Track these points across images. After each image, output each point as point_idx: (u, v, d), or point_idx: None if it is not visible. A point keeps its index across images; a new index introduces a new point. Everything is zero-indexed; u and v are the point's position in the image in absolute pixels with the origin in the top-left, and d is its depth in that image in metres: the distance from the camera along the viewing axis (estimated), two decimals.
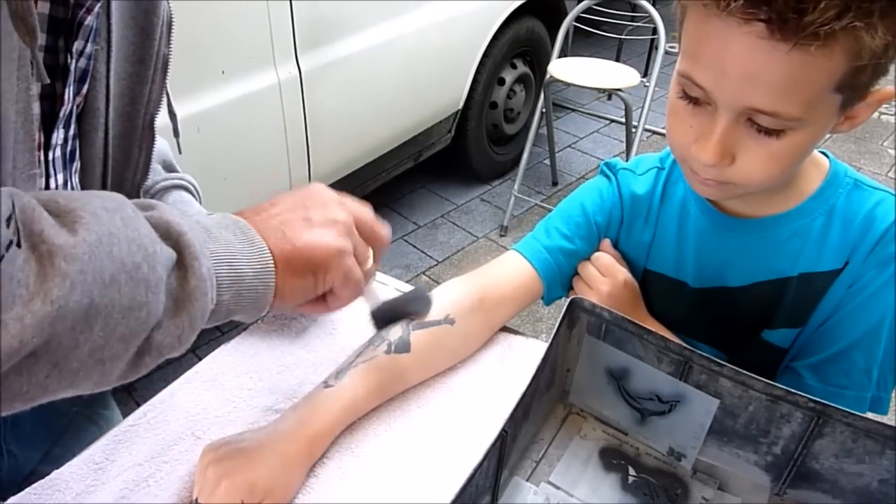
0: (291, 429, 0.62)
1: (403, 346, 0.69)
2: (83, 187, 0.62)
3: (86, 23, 0.52)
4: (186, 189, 0.75)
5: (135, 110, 0.63)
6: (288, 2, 1.76)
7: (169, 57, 0.64)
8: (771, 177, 0.59)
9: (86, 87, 0.56)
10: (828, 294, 0.69)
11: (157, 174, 0.74)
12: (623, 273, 0.78)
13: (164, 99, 0.66)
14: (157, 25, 0.61)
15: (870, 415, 0.59)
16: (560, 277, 0.80)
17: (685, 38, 0.58)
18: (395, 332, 0.70)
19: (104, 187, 0.64)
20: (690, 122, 0.60)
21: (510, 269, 0.78)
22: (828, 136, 0.63)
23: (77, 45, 0.52)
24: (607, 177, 0.81)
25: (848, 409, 0.53)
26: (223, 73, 1.66)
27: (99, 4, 0.52)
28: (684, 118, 0.61)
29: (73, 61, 0.52)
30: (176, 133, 0.71)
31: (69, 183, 0.58)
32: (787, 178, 0.63)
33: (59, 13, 0.50)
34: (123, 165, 0.65)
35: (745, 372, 0.56)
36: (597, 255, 0.80)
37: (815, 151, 0.69)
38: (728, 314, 0.75)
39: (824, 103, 0.55)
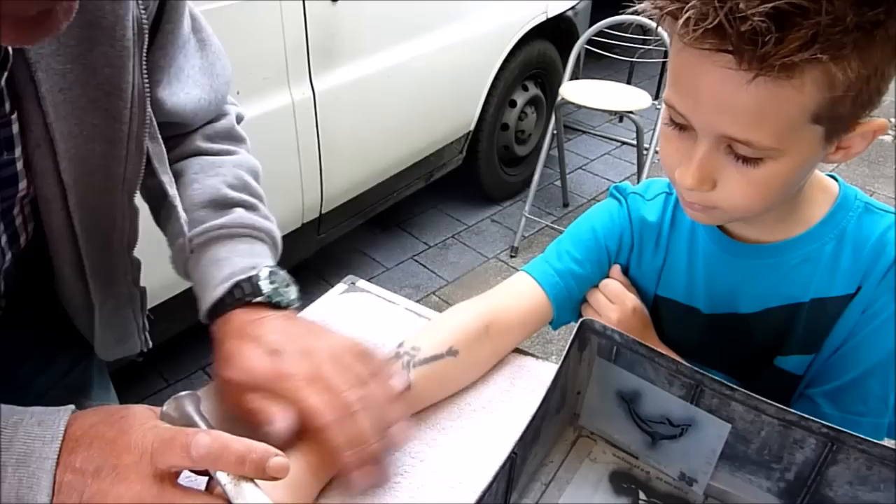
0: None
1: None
2: (52, 258, 0.64)
3: None
4: (232, 237, 0.69)
5: (111, 186, 0.63)
6: (303, 24, 1.79)
7: (144, 134, 0.62)
8: (752, 203, 0.60)
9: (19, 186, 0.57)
10: (841, 319, 0.68)
11: (198, 223, 0.69)
12: (632, 300, 0.78)
13: (165, 175, 0.66)
14: (122, 109, 0.59)
15: (887, 441, 0.58)
16: (570, 302, 0.79)
17: (669, 66, 0.60)
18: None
19: (78, 256, 0.64)
20: (677, 145, 0.62)
21: (520, 293, 0.78)
22: (837, 164, 0.63)
23: None
24: (618, 200, 0.81)
25: (862, 436, 0.52)
26: (238, 93, 1.68)
27: (13, 116, 0.52)
28: (672, 142, 0.62)
29: None
30: (167, 196, 0.68)
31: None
32: (778, 205, 0.63)
33: None
34: (107, 233, 0.66)
35: (757, 396, 0.56)
36: (605, 281, 0.80)
37: (823, 176, 0.69)
38: (740, 341, 0.75)
39: (802, 134, 0.55)
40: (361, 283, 0.91)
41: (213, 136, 0.76)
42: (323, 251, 2.29)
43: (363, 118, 2.11)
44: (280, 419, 0.57)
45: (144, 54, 0.60)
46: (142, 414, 0.49)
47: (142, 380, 1.96)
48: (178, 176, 0.72)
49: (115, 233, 0.67)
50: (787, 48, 0.48)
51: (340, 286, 0.90)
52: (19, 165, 0.57)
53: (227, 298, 0.64)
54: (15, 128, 0.55)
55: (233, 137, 0.78)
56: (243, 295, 0.64)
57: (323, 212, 2.11)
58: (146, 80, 0.61)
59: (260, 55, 1.72)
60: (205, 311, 0.66)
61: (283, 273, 0.68)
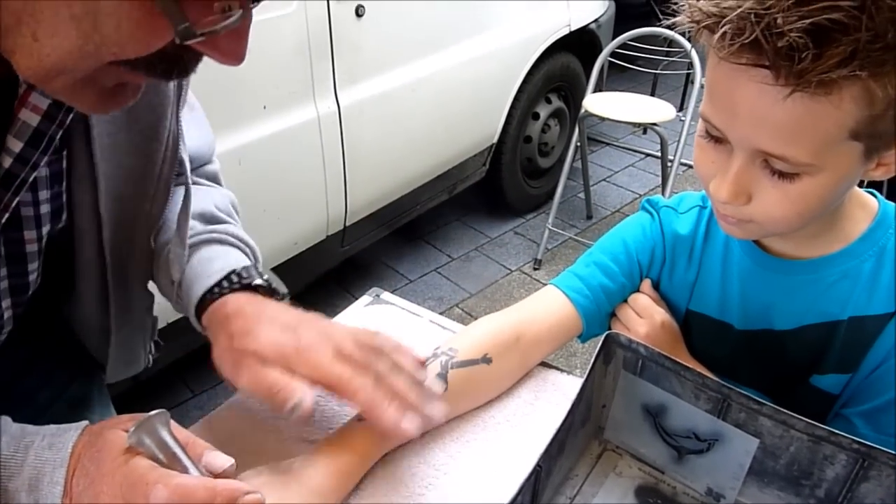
0: (322, 461, 0.62)
1: (440, 384, 0.69)
2: (77, 285, 0.67)
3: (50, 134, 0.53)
4: (221, 242, 0.71)
5: (138, 223, 0.66)
6: (328, 39, 1.81)
7: (173, 176, 0.66)
8: (789, 218, 0.59)
9: (62, 219, 0.61)
10: (880, 338, 0.67)
11: (190, 230, 0.70)
12: (661, 314, 0.77)
13: (172, 219, 0.68)
14: (156, 152, 0.63)
15: None
16: (599, 316, 0.79)
17: (706, 80, 0.59)
18: (433, 368, 0.70)
19: (104, 285, 0.67)
20: (713, 157, 0.61)
21: (549, 306, 0.78)
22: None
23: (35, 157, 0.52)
24: (650, 213, 0.81)
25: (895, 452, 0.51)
26: (265, 107, 1.71)
27: (70, 116, 0.53)
28: (708, 154, 0.62)
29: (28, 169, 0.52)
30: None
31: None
32: (816, 220, 0.62)
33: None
34: (131, 266, 0.69)
35: (785, 411, 0.55)
36: (634, 296, 0.79)
37: (862, 192, 0.68)
38: (775, 358, 0.74)
39: (840, 150, 0.54)
40: (386, 295, 0.91)
41: (202, 175, 0.79)
42: (347, 263, 2.31)
43: (387, 131, 2.12)
44: (303, 395, 0.56)
45: (182, 102, 0.63)
46: (113, 444, 0.49)
47: (168, 390, 1.98)
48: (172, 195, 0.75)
49: (136, 265, 0.70)
50: (825, 64, 0.47)
51: (365, 298, 0.91)
52: (64, 198, 0.60)
53: (224, 282, 0.65)
54: (65, 163, 0.58)
55: (217, 182, 0.81)
56: (240, 280, 0.65)
57: (347, 224, 2.13)
58: (181, 126, 0.64)
59: (286, 70, 1.74)
60: (198, 297, 0.65)
61: (273, 273, 0.69)
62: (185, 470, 0.49)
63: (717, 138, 0.60)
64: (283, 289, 0.68)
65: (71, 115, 0.53)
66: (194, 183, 0.76)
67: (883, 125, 0.52)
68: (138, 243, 0.69)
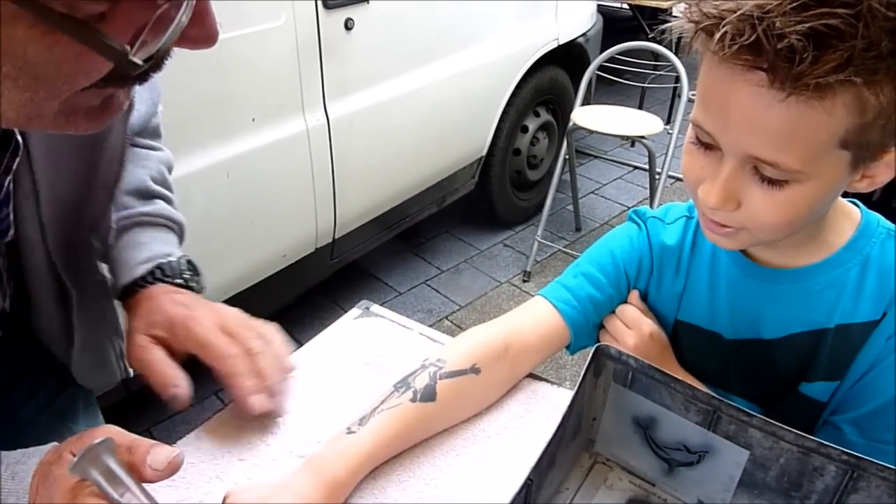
0: (313, 475, 0.62)
1: (429, 395, 0.69)
2: (31, 294, 0.67)
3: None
4: (151, 224, 0.76)
5: (81, 226, 0.67)
6: (318, 52, 1.81)
7: (116, 182, 0.67)
8: (778, 226, 0.60)
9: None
10: (866, 346, 0.67)
11: (123, 208, 0.74)
12: (649, 325, 0.77)
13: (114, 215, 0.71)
14: (100, 158, 0.64)
15: None
16: (587, 327, 0.79)
17: (698, 84, 0.60)
18: (422, 379, 0.70)
19: (61, 288, 0.68)
20: (702, 163, 0.61)
21: (537, 317, 0.78)
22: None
23: None
24: (637, 224, 0.81)
25: (884, 463, 0.51)
26: (254, 120, 1.71)
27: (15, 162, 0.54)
28: (697, 159, 0.62)
29: None
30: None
31: None
32: (803, 228, 0.63)
33: None
34: (83, 266, 0.70)
35: (775, 422, 0.55)
36: (622, 307, 0.79)
37: (845, 202, 0.69)
38: (764, 367, 0.74)
39: (830, 159, 0.55)
40: (376, 307, 0.91)
41: (142, 132, 0.80)
42: (336, 275, 2.30)
43: (377, 144, 2.13)
44: (181, 385, 0.65)
45: (131, 112, 0.64)
46: (60, 479, 0.49)
47: (156, 405, 1.96)
48: None
49: (83, 263, 0.70)
50: (821, 68, 0.48)
51: (355, 311, 0.91)
52: (11, 217, 0.60)
53: (148, 277, 0.71)
54: (11, 185, 0.58)
55: (157, 134, 0.83)
56: (163, 276, 0.72)
57: (336, 237, 2.12)
58: (127, 134, 0.65)
59: (275, 83, 1.75)
60: (123, 284, 0.72)
61: (194, 263, 0.76)
62: (134, 497, 0.48)
63: (707, 145, 0.60)
64: (201, 284, 0.75)
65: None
66: (133, 145, 0.77)
67: (872, 134, 0.53)
68: (83, 242, 0.69)
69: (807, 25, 0.47)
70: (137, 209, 0.74)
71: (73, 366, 0.75)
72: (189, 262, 0.75)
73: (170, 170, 0.82)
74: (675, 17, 0.56)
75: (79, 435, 0.52)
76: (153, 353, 0.66)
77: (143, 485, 0.49)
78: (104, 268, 0.74)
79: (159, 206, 0.76)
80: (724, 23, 0.51)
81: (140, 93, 0.74)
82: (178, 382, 0.64)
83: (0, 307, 0.65)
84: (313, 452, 0.66)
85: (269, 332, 0.71)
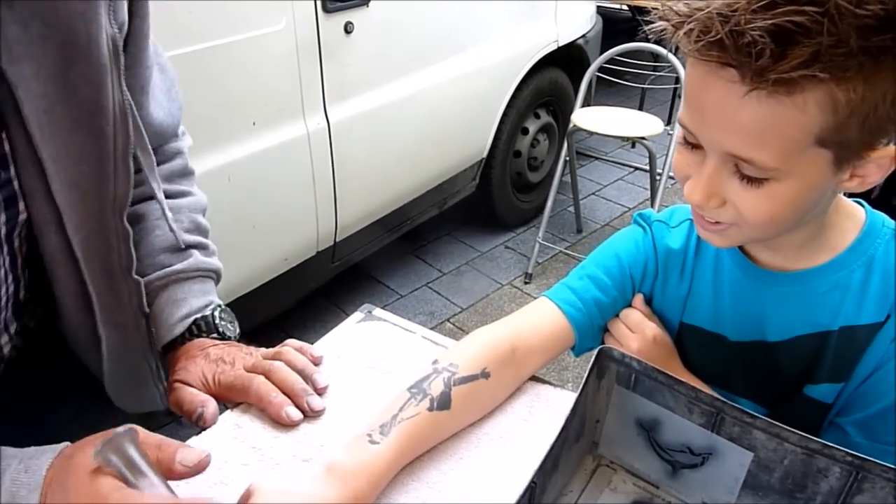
0: (337, 484, 0.60)
1: (445, 403, 0.68)
2: (53, 287, 0.67)
3: None
4: (187, 279, 0.78)
5: (103, 207, 0.66)
6: (318, 56, 1.82)
7: (129, 150, 0.66)
8: (761, 223, 0.60)
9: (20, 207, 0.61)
10: (870, 348, 0.67)
11: (160, 267, 0.77)
12: (653, 329, 0.77)
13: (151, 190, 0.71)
14: (105, 126, 0.62)
15: None
16: (591, 329, 0.79)
17: (684, 85, 0.61)
18: (437, 385, 0.69)
19: (80, 282, 0.68)
20: (689, 161, 0.62)
21: (542, 319, 0.78)
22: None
23: None
24: (642, 227, 0.81)
25: (888, 465, 0.51)
26: (254, 124, 1.71)
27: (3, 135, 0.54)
28: (685, 157, 0.63)
29: None
30: (164, 216, 0.75)
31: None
32: (793, 227, 0.63)
33: None
34: (106, 256, 0.69)
35: (778, 424, 0.55)
36: (626, 311, 0.79)
37: (849, 202, 0.69)
38: (768, 369, 0.74)
39: (808, 157, 0.55)
40: (378, 311, 0.91)
41: (170, 176, 0.81)
42: (337, 279, 2.30)
43: (377, 147, 2.13)
44: (206, 404, 0.70)
45: (122, 71, 0.62)
46: (80, 466, 0.49)
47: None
48: (139, 221, 0.77)
49: (113, 255, 0.69)
50: (786, 64, 0.48)
51: (357, 315, 0.90)
52: (16, 184, 0.59)
53: (186, 334, 0.77)
54: (6, 146, 0.57)
55: (186, 175, 0.84)
56: (200, 332, 0.77)
57: (337, 240, 2.12)
58: (126, 97, 0.63)
59: (276, 87, 1.75)
60: (163, 343, 0.77)
61: (228, 310, 0.81)
62: (152, 486, 0.48)
63: (693, 144, 0.61)
64: (236, 329, 0.80)
65: None
66: (167, 195, 0.77)
67: (849, 132, 0.53)
68: (110, 230, 0.68)
69: (770, 22, 0.48)
70: (173, 267, 0.78)
71: (105, 380, 0.75)
72: (224, 310, 0.80)
73: (204, 211, 0.84)
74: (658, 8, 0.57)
75: (104, 432, 0.52)
76: (184, 390, 0.72)
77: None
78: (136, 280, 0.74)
79: (193, 258, 0.79)
80: (690, 20, 0.52)
81: (157, 97, 0.74)
82: (205, 404, 0.70)
83: (11, 295, 0.64)
84: (320, 456, 0.65)
85: (284, 349, 0.76)
